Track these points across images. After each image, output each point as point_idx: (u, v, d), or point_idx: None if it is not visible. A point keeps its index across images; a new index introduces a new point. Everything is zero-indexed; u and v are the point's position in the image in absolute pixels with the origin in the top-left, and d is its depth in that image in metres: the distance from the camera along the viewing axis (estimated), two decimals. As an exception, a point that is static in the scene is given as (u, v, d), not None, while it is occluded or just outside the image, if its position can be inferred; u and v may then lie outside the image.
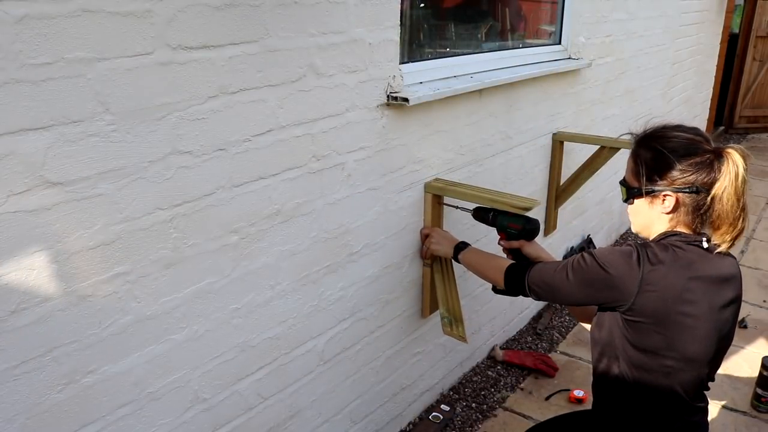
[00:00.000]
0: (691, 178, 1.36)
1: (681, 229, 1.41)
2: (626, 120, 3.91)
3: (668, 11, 4.13)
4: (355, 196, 1.88)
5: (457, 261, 1.96)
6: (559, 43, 3.01)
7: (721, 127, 7.07)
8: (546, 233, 3.18)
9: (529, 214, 1.92)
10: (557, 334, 3.12)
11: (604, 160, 2.91)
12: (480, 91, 2.31)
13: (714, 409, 2.56)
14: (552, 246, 3.31)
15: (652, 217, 1.44)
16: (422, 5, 2.33)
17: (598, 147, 2.94)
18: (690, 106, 5.30)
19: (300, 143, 1.64)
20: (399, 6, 1.84)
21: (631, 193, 1.46)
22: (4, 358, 1.16)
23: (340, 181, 1.81)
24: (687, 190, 1.37)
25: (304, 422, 1.94)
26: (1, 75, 1.05)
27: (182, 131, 1.35)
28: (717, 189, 1.34)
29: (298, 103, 1.60)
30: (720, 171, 1.34)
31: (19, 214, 1.12)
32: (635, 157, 1.45)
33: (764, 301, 3.43)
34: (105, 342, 1.32)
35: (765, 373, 2.52)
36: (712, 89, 5.87)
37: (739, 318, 3.19)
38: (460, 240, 2.01)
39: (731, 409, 2.57)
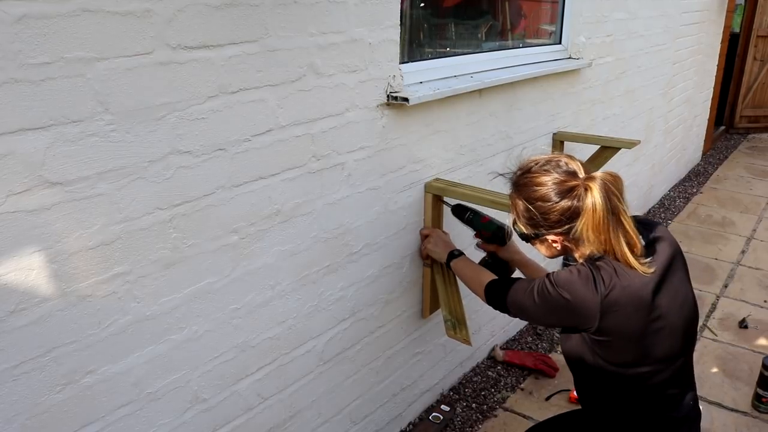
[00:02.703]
0: (563, 220, 1.34)
1: (594, 250, 1.36)
2: (626, 120, 3.91)
3: (669, 11, 4.13)
4: (355, 196, 1.88)
5: (449, 268, 1.97)
6: (560, 43, 3.01)
7: (722, 127, 7.06)
8: (546, 233, 3.18)
9: None
10: (557, 334, 3.12)
11: (605, 160, 2.91)
12: (480, 90, 2.31)
13: (714, 409, 2.55)
14: (552, 246, 3.31)
15: (555, 252, 1.44)
16: (422, 5, 2.33)
17: (598, 147, 2.94)
18: (690, 106, 5.30)
19: (300, 143, 1.64)
20: (399, 6, 1.84)
21: (522, 237, 1.47)
22: (3, 359, 1.16)
23: (340, 181, 1.81)
24: (565, 232, 1.36)
25: (304, 422, 1.94)
26: (1, 75, 1.04)
27: (182, 131, 1.35)
28: (577, 225, 1.32)
29: (298, 102, 1.60)
30: (579, 208, 1.32)
31: (18, 214, 1.12)
32: (513, 205, 1.44)
33: (765, 301, 3.43)
34: (104, 342, 1.32)
35: (765, 373, 2.52)
36: (712, 89, 5.86)
37: (740, 318, 3.20)
38: (456, 247, 2.01)
39: (731, 409, 2.57)
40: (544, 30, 3.08)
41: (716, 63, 5.71)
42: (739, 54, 6.82)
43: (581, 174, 1.35)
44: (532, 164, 1.40)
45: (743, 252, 4.06)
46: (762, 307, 3.37)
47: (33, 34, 1.07)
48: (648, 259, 1.34)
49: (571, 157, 1.39)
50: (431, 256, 2.13)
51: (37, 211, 1.15)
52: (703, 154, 6.23)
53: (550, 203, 1.34)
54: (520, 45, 2.84)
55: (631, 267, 1.32)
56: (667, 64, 4.37)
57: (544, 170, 1.37)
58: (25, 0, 1.05)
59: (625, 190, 1.35)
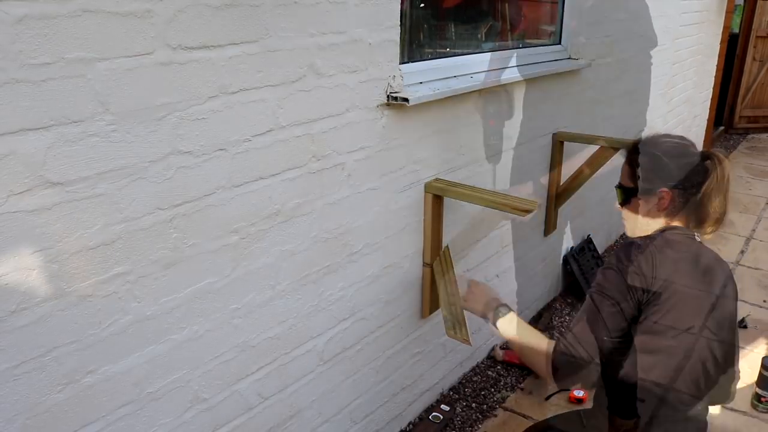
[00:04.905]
0: (683, 176, 1.47)
1: (676, 224, 1.51)
2: (626, 120, 3.91)
3: (668, 11, 4.13)
4: (355, 196, 1.88)
5: (495, 327, 1.68)
6: (559, 43, 3.01)
7: (721, 127, 7.06)
8: (546, 233, 3.18)
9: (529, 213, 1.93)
10: (557, 334, 3.12)
11: (604, 160, 2.91)
12: (480, 91, 2.31)
13: (714, 408, 2.55)
14: (552, 246, 3.31)
15: (647, 217, 1.52)
16: (422, 5, 2.33)
17: (598, 147, 2.94)
18: (690, 106, 5.30)
19: (300, 143, 1.64)
20: (399, 6, 1.84)
21: (627, 194, 1.55)
22: (4, 358, 1.16)
23: (340, 181, 1.81)
24: (680, 186, 1.47)
25: (304, 422, 1.94)
26: (2, 75, 1.05)
27: (182, 131, 1.35)
28: (706, 187, 1.45)
29: (298, 103, 1.60)
30: (708, 171, 1.46)
31: (19, 214, 1.12)
32: (630, 161, 1.56)
33: (764, 301, 3.43)
34: (105, 342, 1.32)
35: (765, 373, 2.52)
36: (712, 89, 5.86)
37: (739, 318, 3.20)
38: (502, 302, 1.70)
39: (731, 409, 2.57)
40: (543, 30, 3.08)
41: (715, 63, 5.71)
42: (738, 54, 6.83)
43: (698, 148, 1.53)
44: (656, 133, 1.57)
45: (742, 252, 4.06)
46: (761, 307, 3.38)
47: (34, 35, 1.07)
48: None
49: None
50: (470, 311, 1.86)
51: (38, 211, 1.15)
52: (703, 154, 6.22)
53: (675, 156, 1.48)
54: (520, 45, 2.85)
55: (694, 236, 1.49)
56: (666, 65, 4.37)
57: (669, 135, 1.56)
58: (26, 0, 1.05)
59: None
